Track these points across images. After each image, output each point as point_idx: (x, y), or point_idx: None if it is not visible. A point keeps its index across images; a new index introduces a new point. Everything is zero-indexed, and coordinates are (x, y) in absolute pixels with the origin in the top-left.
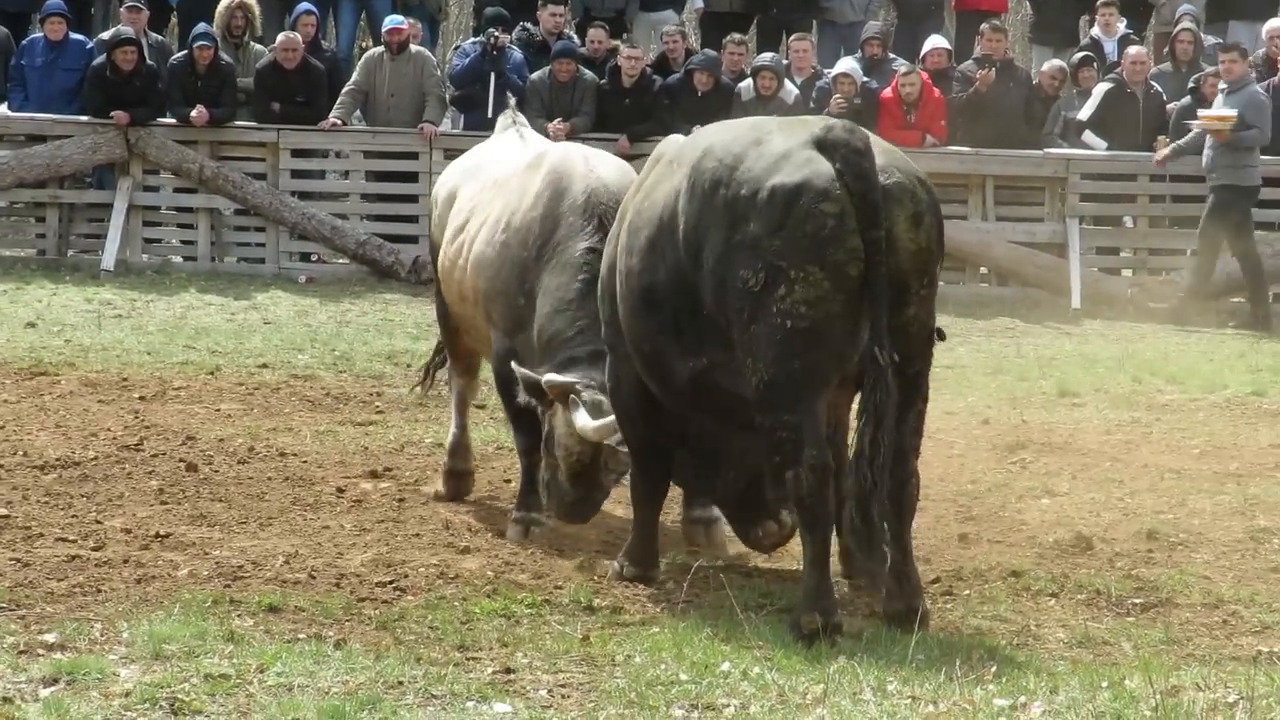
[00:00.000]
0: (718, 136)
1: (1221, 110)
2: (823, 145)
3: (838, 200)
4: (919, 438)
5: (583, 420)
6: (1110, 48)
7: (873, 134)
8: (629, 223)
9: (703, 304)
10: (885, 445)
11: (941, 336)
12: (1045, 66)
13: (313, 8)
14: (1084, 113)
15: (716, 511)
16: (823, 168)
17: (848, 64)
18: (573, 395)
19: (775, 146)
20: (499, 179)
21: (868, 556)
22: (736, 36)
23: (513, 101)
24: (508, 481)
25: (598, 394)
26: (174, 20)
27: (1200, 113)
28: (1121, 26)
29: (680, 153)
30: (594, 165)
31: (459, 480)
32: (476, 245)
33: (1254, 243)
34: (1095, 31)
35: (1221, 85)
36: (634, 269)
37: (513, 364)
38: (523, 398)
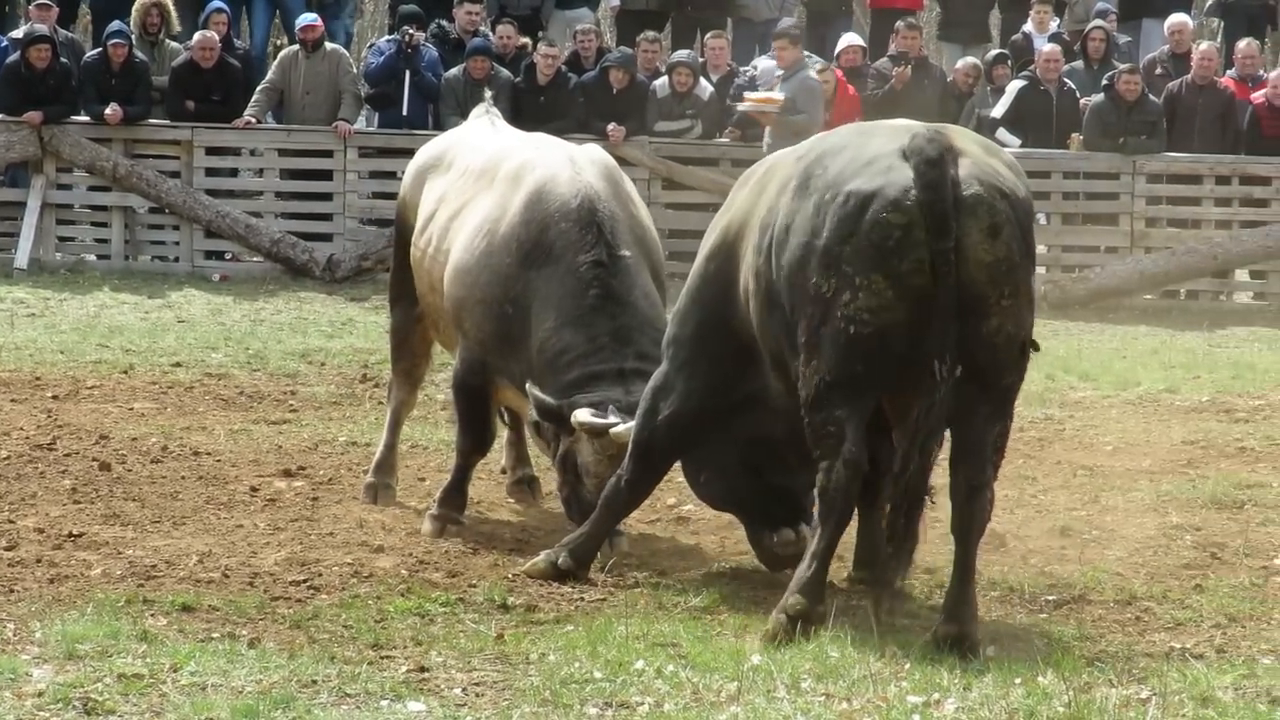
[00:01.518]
0: (831, 138)
1: (769, 93)
2: (906, 154)
3: (906, 211)
4: (1000, 456)
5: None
6: (1040, 44)
7: (986, 143)
8: (760, 220)
9: (774, 300)
10: (917, 470)
11: (1035, 348)
12: (959, 64)
13: (224, 6)
14: (998, 110)
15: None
16: (899, 177)
17: (766, 63)
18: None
19: (867, 151)
20: (470, 168)
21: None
22: (650, 34)
23: (489, 94)
24: (421, 480)
25: (627, 417)
26: (88, 18)
27: (747, 95)
28: (1054, 25)
29: (802, 150)
30: (581, 168)
31: (380, 493)
32: (454, 252)
33: None
34: (1028, 28)
35: (778, 71)
36: (761, 269)
37: (529, 386)
38: (532, 417)
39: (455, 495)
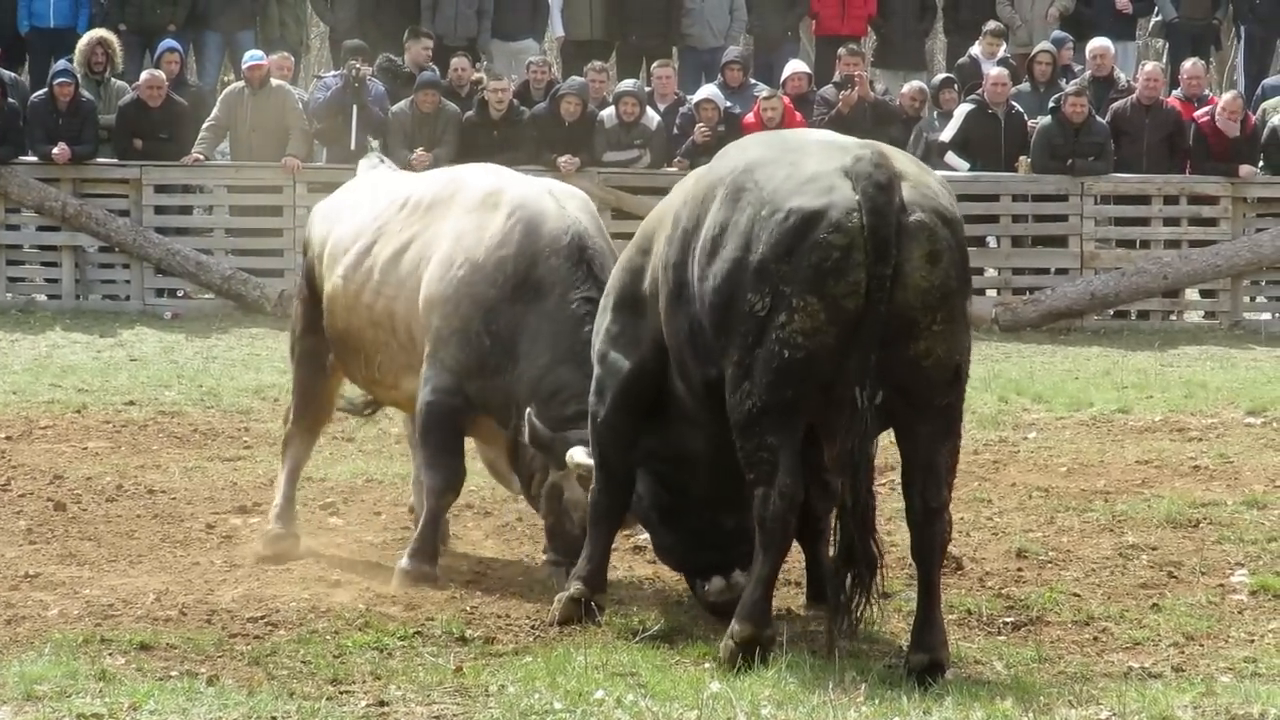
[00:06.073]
0: (761, 151)
1: None
2: (849, 174)
3: (848, 233)
4: (953, 476)
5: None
6: (988, 68)
7: (919, 163)
8: (674, 213)
9: (683, 298)
10: (864, 496)
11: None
12: (905, 88)
13: (176, 45)
14: (946, 134)
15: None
16: (842, 198)
17: (709, 90)
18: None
19: (806, 169)
20: (414, 201)
21: (834, 619)
22: (598, 64)
23: (375, 144)
24: (377, 514)
25: None
26: (27, 57)
27: None
28: (1002, 52)
29: (725, 153)
30: (564, 202)
31: (288, 544)
32: (428, 283)
33: None
34: (975, 51)
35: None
36: (672, 261)
37: (529, 413)
38: (525, 438)
39: (427, 545)
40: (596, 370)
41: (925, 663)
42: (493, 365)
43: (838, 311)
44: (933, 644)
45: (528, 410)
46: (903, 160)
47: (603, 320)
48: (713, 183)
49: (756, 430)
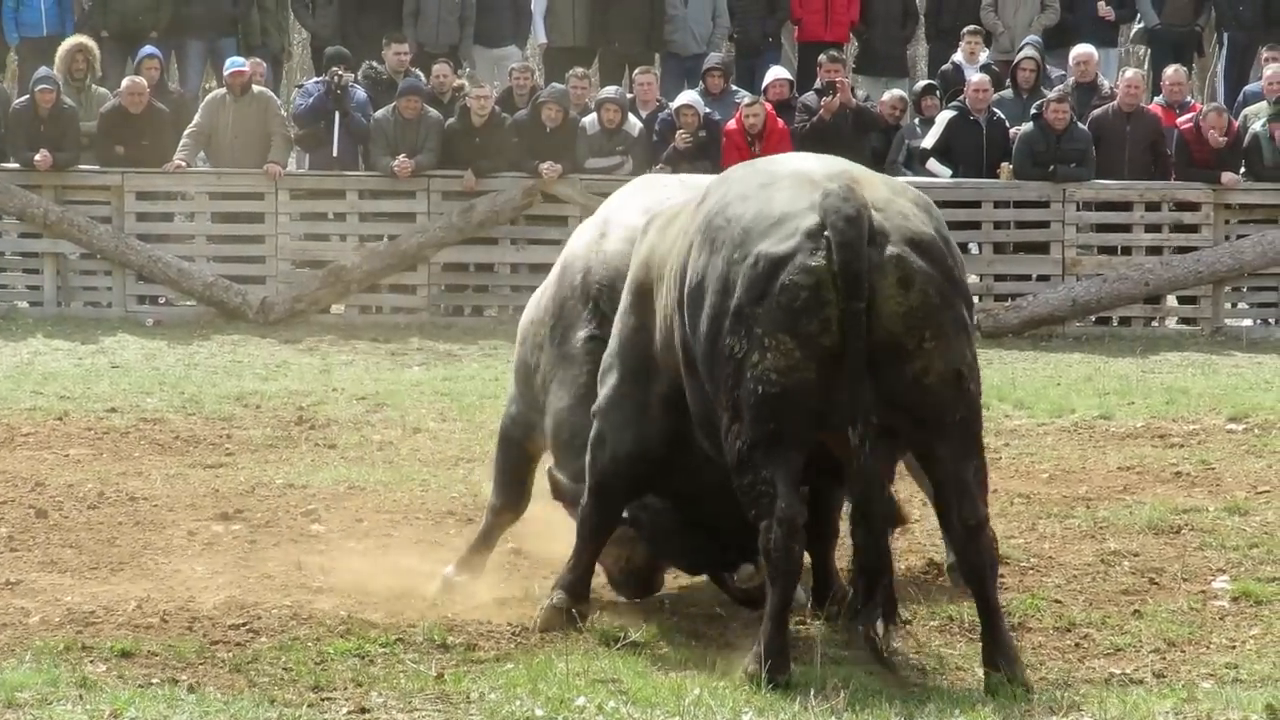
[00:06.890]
0: (734, 187)
1: None
2: (816, 210)
3: (814, 272)
4: (985, 490)
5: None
6: (970, 74)
7: (892, 184)
8: (674, 246)
9: (692, 361)
10: (868, 524)
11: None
12: (885, 96)
13: (157, 52)
14: (928, 140)
15: None
16: (807, 238)
17: (689, 96)
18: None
19: (775, 208)
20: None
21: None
22: (579, 70)
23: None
24: (359, 521)
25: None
26: (15, 64)
27: None
28: (984, 55)
29: (712, 187)
30: (608, 231)
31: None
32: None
33: None
34: (957, 58)
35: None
36: (677, 324)
37: (550, 469)
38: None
39: (474, 557)
40: (603, 393)
41: (999, 680)
42: (539, 405)
43: (814, 348)
44: (1004, 660)
45: (548, 467)
46: (875, 185)
47: (614, 343)
48: (686, 224)
49: (750, 466)
